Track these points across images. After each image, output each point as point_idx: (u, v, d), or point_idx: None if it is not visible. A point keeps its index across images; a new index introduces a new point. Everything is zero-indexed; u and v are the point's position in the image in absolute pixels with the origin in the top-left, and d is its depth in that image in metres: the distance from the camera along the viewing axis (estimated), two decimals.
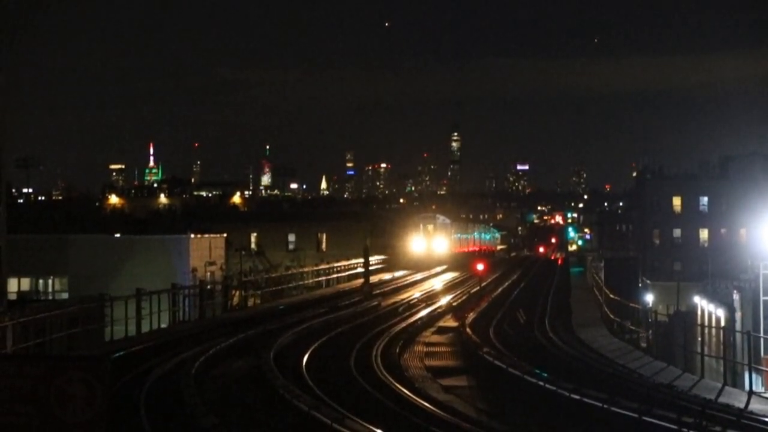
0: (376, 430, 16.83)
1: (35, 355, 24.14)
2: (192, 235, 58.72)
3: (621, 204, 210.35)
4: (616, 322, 45.18)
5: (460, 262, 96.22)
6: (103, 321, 35.74)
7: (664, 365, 31.92)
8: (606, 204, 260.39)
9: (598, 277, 67.17)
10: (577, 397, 21.18)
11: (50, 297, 52.65)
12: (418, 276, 74.55)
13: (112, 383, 14.78)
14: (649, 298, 64.92)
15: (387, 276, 73.60)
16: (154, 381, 23.97)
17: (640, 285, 73.36)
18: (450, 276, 77.02)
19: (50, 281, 54.86)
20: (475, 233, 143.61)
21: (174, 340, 33.62)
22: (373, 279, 64.65)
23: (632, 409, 19.29)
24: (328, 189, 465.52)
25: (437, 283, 66.98)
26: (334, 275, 70.72)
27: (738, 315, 40.89)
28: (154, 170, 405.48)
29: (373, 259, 75.95)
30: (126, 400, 20.99)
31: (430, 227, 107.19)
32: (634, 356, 34.33)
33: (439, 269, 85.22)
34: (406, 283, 67.15)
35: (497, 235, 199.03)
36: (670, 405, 20.84)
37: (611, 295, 49.73)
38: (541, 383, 23.13)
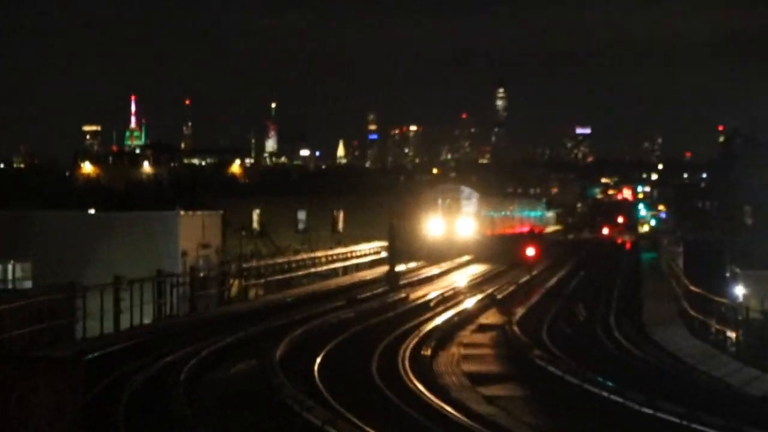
0: None
1: None
2: (182, 212, 58.93)
3: (704, 176, 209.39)
4: (697, 320, 45.01)
5: (494, 249, 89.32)
6: (73, 315, 35.97)
7: (757, 373, 31.74)
8: (685, 175, 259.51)
9: (675, 265, 66.91)
10: (649, 410, 21.16)
11: (9, 286, 53.00)
12: (426, 273, 66.58)
13: (85, 390, 14.85)
14: (740, 290, 64.56)
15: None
16: (137, 388, 24.11)
17: (727, 274, 72.97)
18: (475, 270, 71.34)
19: (9, 267, 55.17)
20: (517, 211, 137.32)
21: (160, 338, 33.83)
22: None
23: (718, 427, 19.23)
24: (345, 157, 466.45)
25: (456, 282, 64.14)
26: (353, 261, 70.92)
27: None
28: (136, 133, 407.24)
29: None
30: (102, 410, 21.11)
31: (451, 203, 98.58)
32: (719, 361, 34.22)
33: (460, 261, 78.74)
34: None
35: (547, 213, 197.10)
36: (765, 422, 20.76)
37: (691, 287, 49.49)
38: (605, 393, 23.11)
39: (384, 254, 69.62)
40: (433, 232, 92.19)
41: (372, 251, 74.16)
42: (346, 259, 70.38)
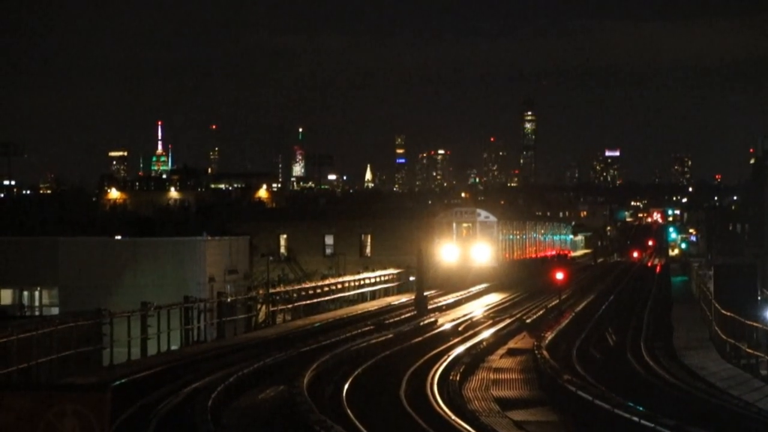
0: None
1: (19, 384, 24.42)
2: (209, 238, 59.12)
3: (735, 198, 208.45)
4: (729, 344, 44.75)
5: (515, 276, 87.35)
6: (100, 341, 36.09)
7: None
8: (716, 198, 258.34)
9: (706, 289, 66.59)
10: None
11: (37, 312, 53.24)
12: (448, 300, 65.08)
13: (112, 418, 14.89)
14: None
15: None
16: (164, 415, 24.16)
17: (759, 298, 72.62)
18: (497, 298, 68.28)
19: (37, 293, 55.45)
20: (541, 234, 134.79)
21: (187, 364, 33.89)
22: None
23: None
24: (373, 181, 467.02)
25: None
26: (381, 285, 70.93)
27: None
28: (162, 158, 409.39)
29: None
30: None
31: (467, 227, 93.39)
32: (751, 386, 34.00)
33: (476, 289, 74.81)
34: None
35: (574, 236, 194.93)
36: None
37: (723, 311, 49.22)
38: (636, 419, 22.99)
39: (406, 280, 69.42)
40: (447, 258, 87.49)
41: (391, 277, 73.73)
42: (374, 283, 70.41)
